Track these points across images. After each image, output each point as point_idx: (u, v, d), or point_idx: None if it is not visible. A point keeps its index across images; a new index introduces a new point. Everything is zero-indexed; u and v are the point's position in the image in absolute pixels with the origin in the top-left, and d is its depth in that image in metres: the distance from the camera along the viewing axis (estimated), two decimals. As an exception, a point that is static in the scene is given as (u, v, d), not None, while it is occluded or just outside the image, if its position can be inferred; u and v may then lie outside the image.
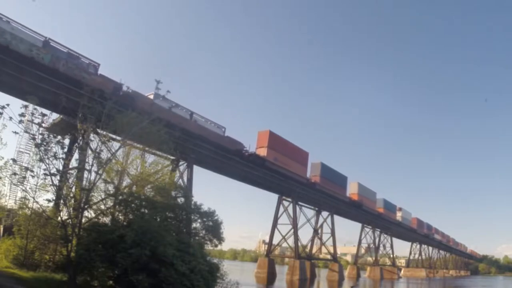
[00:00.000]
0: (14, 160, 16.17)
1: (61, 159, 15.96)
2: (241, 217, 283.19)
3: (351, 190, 79.73)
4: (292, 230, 61.98)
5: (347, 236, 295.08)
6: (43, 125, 16.03)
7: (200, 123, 41.44)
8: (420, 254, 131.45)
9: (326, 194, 67.87)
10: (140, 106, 29.99)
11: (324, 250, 77.20)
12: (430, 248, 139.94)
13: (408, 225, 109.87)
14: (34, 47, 27.84)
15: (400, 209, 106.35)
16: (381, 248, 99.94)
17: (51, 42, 29.50)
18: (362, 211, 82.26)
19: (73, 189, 17.09)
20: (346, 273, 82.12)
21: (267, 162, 51.01)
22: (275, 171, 53.37)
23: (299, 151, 60.63)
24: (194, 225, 22.33)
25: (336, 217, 76.15)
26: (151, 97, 35.55)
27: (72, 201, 16.71)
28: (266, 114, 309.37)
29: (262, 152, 50.78)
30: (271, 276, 57.32)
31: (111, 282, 16.04)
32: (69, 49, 30.83)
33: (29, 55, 27.16)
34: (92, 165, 16.73)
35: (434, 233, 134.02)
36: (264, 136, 52.35)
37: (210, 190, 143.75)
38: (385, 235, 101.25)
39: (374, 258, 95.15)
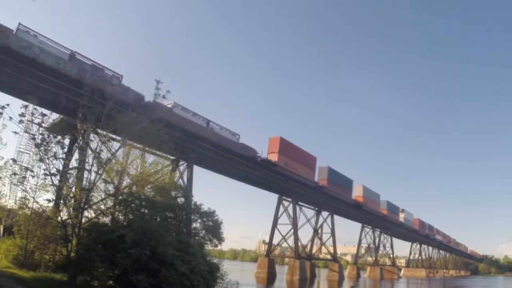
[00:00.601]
0: (14, 160, 16.18)
1: (61, 159, 15.95)
2: (241, 217, 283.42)
3: (356, 193, 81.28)
4: (292, 230, 62.00)
5: (347, 236, 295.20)
6: (43, 125, 16.02)
7: (216, 130, 43.79)
8: (420, 254, 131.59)
9: (333, 197, 69.61)
10: (161, 115, 30.80)
11: (324, 250, 77.21)
12: (430, 248, 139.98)
13: (411, 226, 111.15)
14: (61, 60, 29.06)
15: (403, 210, 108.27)
16: (381, 248, 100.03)
17: (76, 55, 30.77)
18: (362, 211, 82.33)
19: (73, 189, 17.09)
20: (346, 273, 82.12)
21: (278, 167, 53.45)
22: (286, 175, 55.83)
23: (308, 155, 63.00)
24: (194, 225, 22.32)
25: (336, 217, 76.27)
26: (170, 106, 37.51)
27: (72, 201, 16.71)
28: (266, 114, 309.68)
29: (274, 157, 53.26)
30: (271, 276, 57.33)
31: (111, 282, 16.04)
32: (93, 62, 32.13)
33: (57, 68, 28.37)
34: (92, 165, 16.73)
35: (435, 233, 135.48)
36: (275, 142, 54.84)
37: (210, 190, 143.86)
38: (385, 235, 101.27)
39: (374, 258, 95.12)
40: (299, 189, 61.44)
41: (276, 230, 63.09)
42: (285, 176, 56.13)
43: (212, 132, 42.68)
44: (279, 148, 54.36)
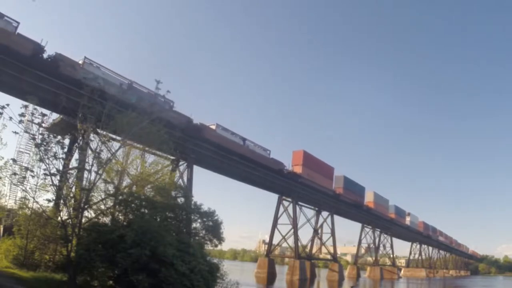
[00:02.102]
0: (14, 160, 16.16)
1: (61, 159, 15.94)
2: (241, 217, 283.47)
3: (368, 199, 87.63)
4: (292, 230, 62.01)
5: (347, 236, 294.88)
6: (43, 125, 16.01)
7: (250, 147, 49.63)
8: (420, 254, 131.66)
9: (348, 204, 75.91)
10: (207, 136, 40.08)
11: (324, 250, 77.26)
12: (430, 248, 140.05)
13: (415, 228, 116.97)
14: (122, 90, 31.62)
15: (409, 214, 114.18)
16: (381, 248, 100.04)
17: (134, 84, 33.89)
18: (362, 211, 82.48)
19: (73, 189, 17.07)
20: (346, 273, 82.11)
21: (302, 178, 59.76)
22: (309, 185, 62.13)
23: (326, 166, 69.62)
24: (194, 225, 22.29)
25: (336, 217, 76.38)
26: (213, 127, 43.41)
27: (72, 201, 16.68)
28: (266, 114, 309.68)
29: (298, 169, 59.71)
30: (271, 276, 57.35)
31: (111, 282, 16.03)
32: (148, 90, 34.39)
33: (120, 97, 29.83)
34: (92, 165, 16.71)
35: (438, 235, 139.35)
36: (299, 155, 61.46)
37: (210, 190, 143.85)
38: (385, 235, 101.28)
39: (374, 258, 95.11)
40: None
41: (276, 230, 63.17)
42: (308, 186, 62.05)
43: (247, 149, 48.49)
44: (302, 161, 60.48)
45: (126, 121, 18.49)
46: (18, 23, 27.24)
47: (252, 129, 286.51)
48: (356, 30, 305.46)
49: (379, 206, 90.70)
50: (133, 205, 18.67)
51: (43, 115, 15.98)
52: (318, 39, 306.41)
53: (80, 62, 30.34)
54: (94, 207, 17.88)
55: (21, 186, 15.80)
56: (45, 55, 28.42)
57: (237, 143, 46.55)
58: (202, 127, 40.17)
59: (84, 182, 16.61)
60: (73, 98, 23.98)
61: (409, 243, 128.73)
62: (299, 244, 63.35)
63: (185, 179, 38.90)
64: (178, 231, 20.39)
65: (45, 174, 15.38)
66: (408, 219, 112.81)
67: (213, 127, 43.46)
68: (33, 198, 16.12)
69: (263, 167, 51.12)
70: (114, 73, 32.42)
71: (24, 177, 15.61)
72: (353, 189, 78.68)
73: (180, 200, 22.02)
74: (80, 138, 18.75)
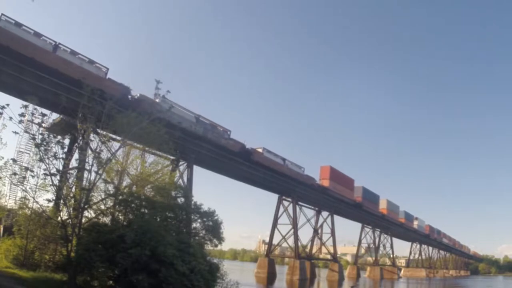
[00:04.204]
0: (14, 160, 16.19)
1: (61, 159, 15.94)
2: (241, 217, 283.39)
3: (381, 206, 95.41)
4: (292, 230, 62.00)
5: (347, 236, 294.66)
6: (43, 125, 16.02)
7: (289, 166, 57.98)
8: (420, 254, 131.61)
9: (366, 212, 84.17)
10: (256, 159, 48.92)
11: (324, 250, 77.21)
12: (430, 248, 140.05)
13: (423, 231, 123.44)
14: (192, 123, 39.15)
15: (416, 218, 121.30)
16: (381, 248, 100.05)
17: (200, 117, 40.65)
18: (362, 211, 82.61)
19: (73, 189, 17.06)
20: (346, 273, 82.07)
21: (330, 190, 68.29)
22: (335, 196, 70.61)
23: (348, 179, 78.09)
24: (194, 225, 22.25)
25: (336, 217, 76.48)
26: (260, 150, 51.35)
27: (72, 201, 16.67)
28: (266, 114, 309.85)
29: (325, 183, 68.40)
30: (271, 276, 57.33)
31: (111, 282, 16.01)
32: (210, 121, 42.31)
33: (191, 130, 38.01)
34: (92, 165, 16.71)
35: (442, 237, 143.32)
36: (326, 170, 70.27)
37: (210, 190, 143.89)
38: (385, 235, 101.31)
39: (374, 258, 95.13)
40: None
41: (276, 230, 63.13)
42: (334, 197, 70.42)
43: (287, 168, 57.08)
44: (329, 175, 69.01)
45: (126, 121, 18.49)
46: (108, 68, 31.58)
47: (253, 129, 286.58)
48: (356, 30, 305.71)
49: (391, 213, 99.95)
50: (133, 205, 18.65)
51: (43, 115, 16.00)
52: (318, 38, 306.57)
53: (157, 100, 34.84)
54: (94, 207, 17.87)
55: (21, 186, 15.84)
56: (129, 97, 32.91)
57: (279, 163, 54.92)
58: (252, 151, 48.28)
59: (84, 182, 16.60)
60: (73, 98, 23.91)
61: (409, 243, 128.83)
62: (299, 244, 63.36)
63: (185, 179, 38.88)
64: (178, 231, 20.35)
65: (45, 174, 15.38)
66: (416, 223, 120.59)
67: (260, 150, 51.56)
68: (33, 198, 16.15)
69: (298, 182, 59.92)
70: (184, 108, 38.71)
71: (24, 177, 15.63)
72: (370, 197, 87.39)
73: (180, 200, 22.01)
74: (80, 138, 18.76)
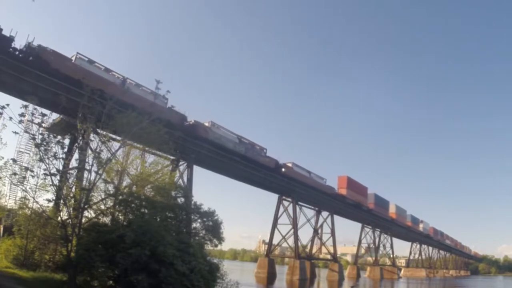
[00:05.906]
0: (14, 160, 16.16)
1: (61, 159, 15.94)
2: (241, 217, 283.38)
3: (390, 210, 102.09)
4: (292, 230, 61.98)
5: (347, 236, 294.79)
6: (43, 125, 16.01)
7: (315, 178, 66.85)
8: (420, 254, 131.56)
9: (378, 217, 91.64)
10: (287, 173, 57.37)
11: (324, 250, 77.21)
12: (430, 248, 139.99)
13: (427, 233, 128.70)
14: (236, 144, 45.91)
15: (422, 221, 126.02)
16: (381, 248, 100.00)
17: (242, 138, 47.76)
18: (362, 211, 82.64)
19: (73, 189, 17.05)
20: (346, 273, 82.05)
21: (347, 199, 75.76)
22: (352, 205, 78.19)
23: (362, 187, 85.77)
24: (194, 225, 22.22)
25: (336, 217, 76.55)
26: (290, 165, 59.15)
27: (72, 201, 16.67)
28: (266, 114, 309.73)
29: (343, 191, 76.16)
30: (271, 276, 57.30)
31: (111, 282, 16.00)
32: (249, 141, 49.50)
33: (234, 149, 45.21)
34: (92, 165, 16.71)
35: (445, 238, 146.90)
36: (344, 180, 77.85)
37: (210, 190, 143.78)
38: (385, 235, 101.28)
39: (374, 258, 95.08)
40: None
41: (276, 230, 63.12)
42: (352, 205, 77.88)
43: (312, 180, 65.14)
44: (346, 184, 76.87)
45: (126, 121, 18.47)
46: (167, 99, 35.58)
47: (253, 130, 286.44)
48: (356, 30, 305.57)
49: (399, 217, 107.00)
50: (133, 205, 18.64)
51: (43, 115, 15.99)
52: (318, 39, 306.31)
53: (207, 124, 42.13)
54: (94, 207, 17.86)
55: (21, 186, 15.82)
56: (185, 123, 39.22)
57: (304, 175, 62.49)
58: (283, 166, 56.78)
59: (84, 182, 16.60)
60: (73, 98, 23.93)
61: (409, 243, 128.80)
62: (299, 244, 63.35)
63: (185, 179, 38.88)
64: (178, 231, 20.33)
65: (45, 174, 15.38)
66: (421, 225, 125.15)
67: (290, 165, 58.96)
68: (33, 198, 16.13)
69: (321, 192, 67.08)
70: (228, 130, 45.46)
71: (24, 177, 15.62)
72: (381, 203, 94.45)
73: (180, 200, 21.98)
74: (80, 138, 18.74)
